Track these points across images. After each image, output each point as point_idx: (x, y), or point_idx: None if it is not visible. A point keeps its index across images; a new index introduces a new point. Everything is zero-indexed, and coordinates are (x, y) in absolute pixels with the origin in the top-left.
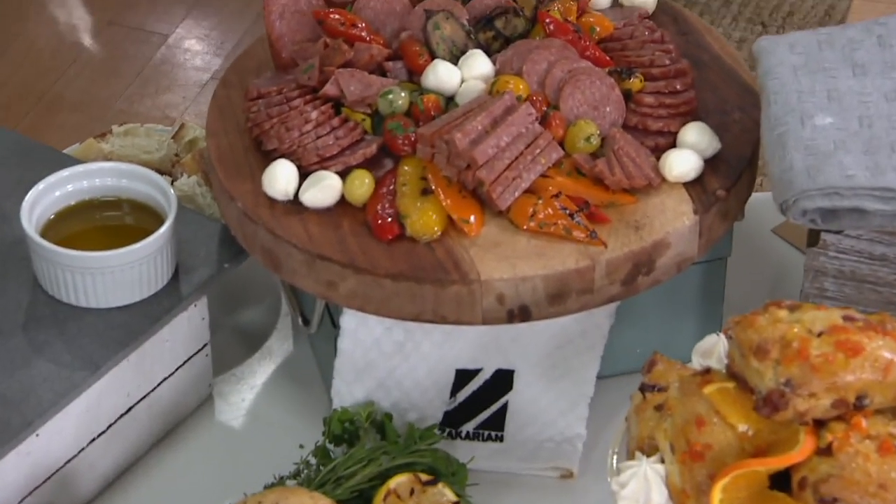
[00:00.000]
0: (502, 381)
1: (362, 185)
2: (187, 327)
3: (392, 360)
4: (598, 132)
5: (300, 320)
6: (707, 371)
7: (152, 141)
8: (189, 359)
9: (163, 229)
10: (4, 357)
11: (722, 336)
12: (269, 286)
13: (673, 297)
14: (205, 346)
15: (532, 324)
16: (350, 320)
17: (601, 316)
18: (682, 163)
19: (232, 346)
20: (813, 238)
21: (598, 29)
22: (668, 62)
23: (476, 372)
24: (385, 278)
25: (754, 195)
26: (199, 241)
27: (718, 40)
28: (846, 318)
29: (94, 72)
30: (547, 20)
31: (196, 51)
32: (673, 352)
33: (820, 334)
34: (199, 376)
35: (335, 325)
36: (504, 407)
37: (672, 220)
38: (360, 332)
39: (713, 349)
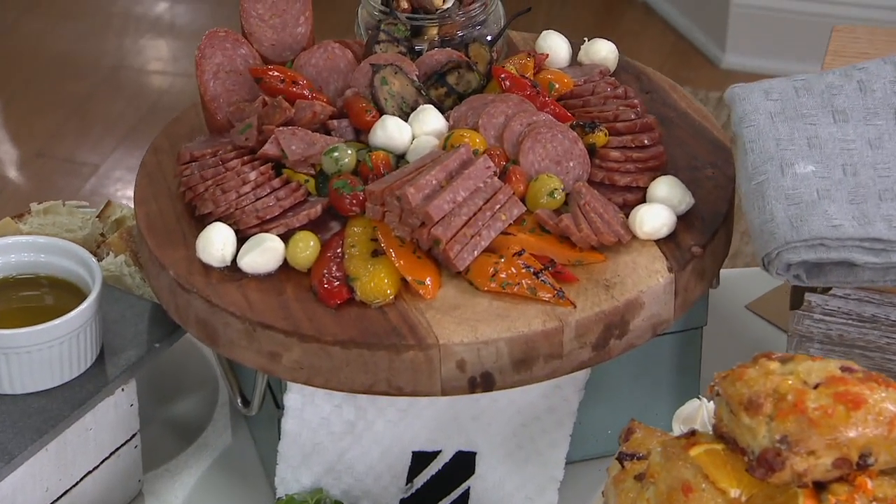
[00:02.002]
0: (463, 464)
1: (307, 247)
2: (114, 414)
3: (342, 441)
4: (562, 186)
5: (239, 401)
6: (692, 433)
7: (75, 219)
8: (116, 450)
9: (86, 304)
10: None
11: (704, 400)
12: (205, 373)
13: (646, 370)
14: (133, 436)
15: (495, 399)
16: (295, 398)
17: (570, 390)
18: (654, 218)
19: (164, 438)
20: (797, 299)
21: (556, 85)
22: (633, 116)
23: (434, 454)
24: (334, 346)
25: (726, 271)
26: (127, 321)
27: (685, 98)
28: (844, 369)
29: (21, 203)
30: (502, 75)
31: (128, 180)
32: None
33: (817, 386)
34: (128, 471)
35: (278, 406)
36: (466, 493)
37: (645, 279)
38: (306, 410)
39: (696, 414)
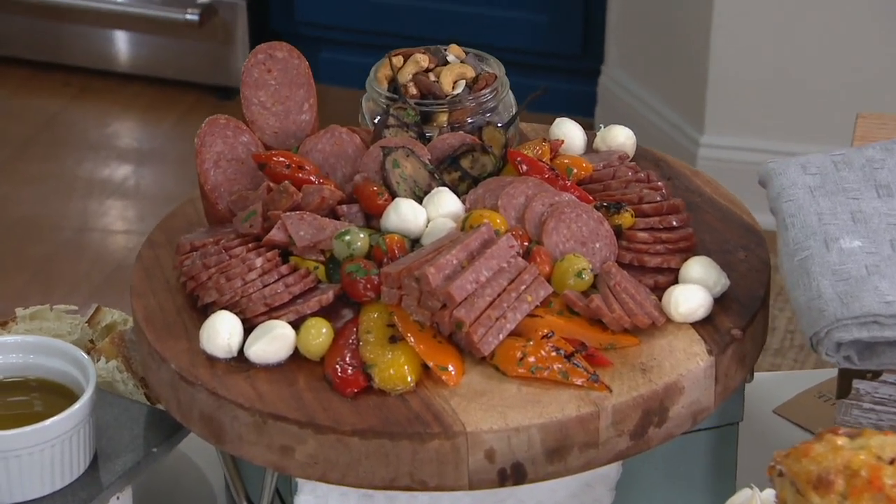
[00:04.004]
0: None
1: (319, 335)
2: None
3: None
4: (591, 267)
5: None
6: None
7: (63, 324)
8: None
9: (80, 403)
10: None
11: (756, 489)
12: (202, 489)
13: (679, 469)
14: None
15: (521, 500)
16: (307, 500)
17: (602, 489)
18: (690, 298)
19: None
20: (844, 388)
21: (575, 170)
22: (659, 199)
23: None
24: (352, 437)
25: None
26: (121, 426)
27: (709, 183)
28: None
29: None
30: (518, 159)
31: None
32: None
33: (892, 462)
34: None
35: None
36: None
37: (684, 362)
38: None
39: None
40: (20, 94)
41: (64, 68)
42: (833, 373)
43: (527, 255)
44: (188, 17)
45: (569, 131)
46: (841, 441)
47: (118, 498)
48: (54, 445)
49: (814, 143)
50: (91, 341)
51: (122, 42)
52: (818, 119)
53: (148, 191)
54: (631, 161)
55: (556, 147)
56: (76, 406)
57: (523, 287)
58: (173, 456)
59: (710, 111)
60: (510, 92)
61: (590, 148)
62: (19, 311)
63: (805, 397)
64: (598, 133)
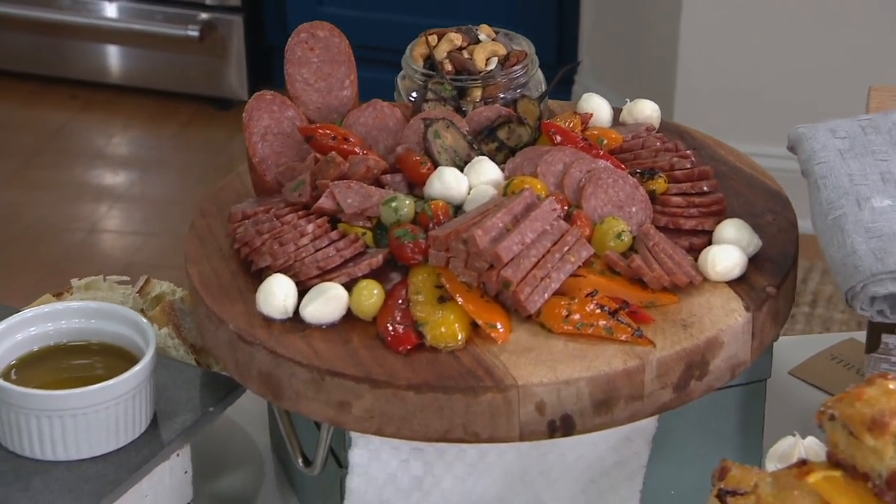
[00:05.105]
0: None
1: (371, 295)
2: (169, 481)
3: (409, 498)
4: (629, 229)
5: (300, 462)
6: (803, 462)
7: (116, 294)
8: None
9: (142, 364)
10: None
11: (798, 436)
12: (249, 450)
13: (711, 424)
14: None
15: (563, 453)
16: (361, 454)
17: (640, 442)
18: (727, 258)
19: None
20: (872, 342)
21: (605, 141)
22: (689, 166)
23: None
24: (408, 391)
25: None
26: (178, 387)
27: (732, 152)
28: None
29: None
30: (552, 130)
31: None
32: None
33: None
34: None
35: (341, 465)
36: None
37: (723, 318)
38: (372, 467)
39: (792, 451)
40: (28, 107)
41: (70, 82)
42: (843, 336)
43: (567, 218)
44: (189, 32)
45: (597, 105)
46: (892, 385)
47: (178, 455)
48: (118, 404)
49: (778, 146)
50: (142, 310)
51: (125, 57)
52: (782, 125)
53: (152, 196)
54: (657, 132)
55: (586, 120)
56: (138, 366)
57: (566, 248)
58: (222, 421)
59: (679, 118)
60: (539, 70)
61: (616, 121)
62: (74, 282)
63: (818, 360)
64: (624, 107)
